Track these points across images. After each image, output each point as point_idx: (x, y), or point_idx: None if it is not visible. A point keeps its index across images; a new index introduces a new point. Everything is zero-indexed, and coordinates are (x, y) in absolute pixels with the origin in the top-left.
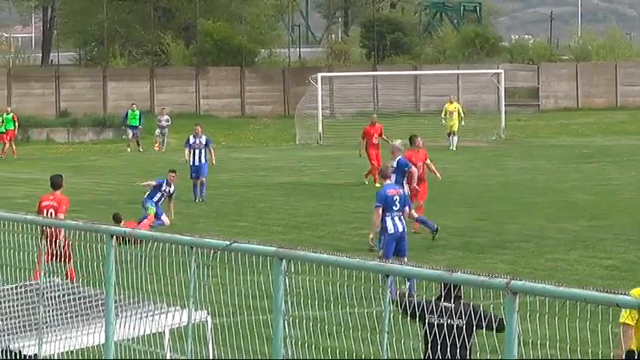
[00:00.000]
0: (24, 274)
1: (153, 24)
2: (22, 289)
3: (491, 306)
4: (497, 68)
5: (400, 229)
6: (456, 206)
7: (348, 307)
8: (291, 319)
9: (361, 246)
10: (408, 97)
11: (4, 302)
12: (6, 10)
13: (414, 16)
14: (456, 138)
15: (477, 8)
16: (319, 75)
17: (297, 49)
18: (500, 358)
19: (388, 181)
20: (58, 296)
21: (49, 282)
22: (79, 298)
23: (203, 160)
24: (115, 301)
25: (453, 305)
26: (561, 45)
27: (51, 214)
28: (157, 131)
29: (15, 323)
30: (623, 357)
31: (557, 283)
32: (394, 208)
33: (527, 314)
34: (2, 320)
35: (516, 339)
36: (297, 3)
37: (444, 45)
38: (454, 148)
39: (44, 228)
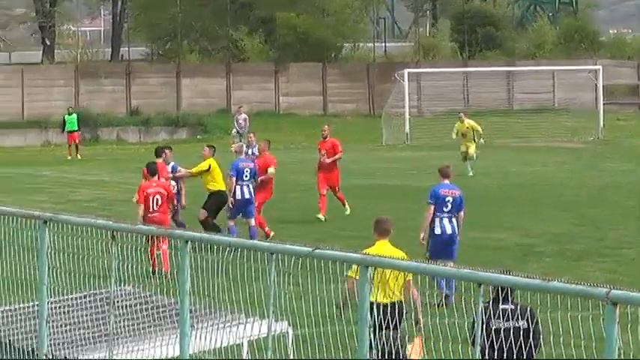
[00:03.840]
0: (94, 281)
1: (229, 17)
2: (92, 298)
3: (590, 317)
4: (596, 64)
5: (449, 232)
6: (552, 210)
7: (438, 317)
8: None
9: None
10: (500, 94)
11: (73, 312)
12: (73, 2)
13: (507, 9)
14: (471, 162)
15: (574, 0)
16: (406, 71)
17: (383, 44)
18: None
19: (446, 181)
20: (130, 305)
21: (121, 290)
22: (152, 308)
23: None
24: (190, 311)
25: (513, 307)
26: None
27: (157, 201)
28: (234, 131)
29: (84, 334)
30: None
31: None
32: (444, 209)
33: (628, 325)
34: (71, 330)
35: (616, 351)
36: None
37: (540, 39)
38: (472, 173)
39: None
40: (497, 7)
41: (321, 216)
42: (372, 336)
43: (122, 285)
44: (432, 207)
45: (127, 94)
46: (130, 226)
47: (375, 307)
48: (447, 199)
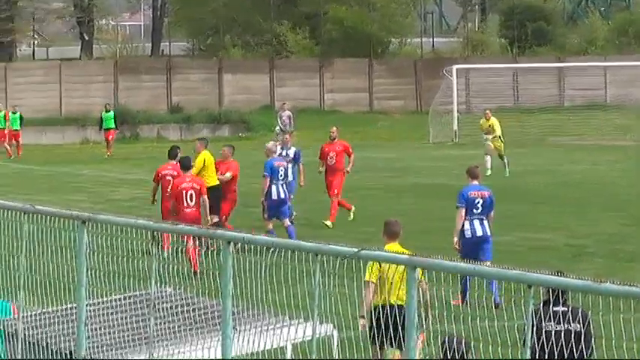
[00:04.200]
0: (133, 283)
1: (273, 12)
2: (132, 300)
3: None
4: None
5: (479, 234)
6: (602, 210)
7: (487, 320)
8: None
9: (501, 255)
10: (550, 90)
11: (112, 314)
12: None
13: (558, 4)
14: (506, 161)
15: None
16: (454, 67)
17: (430, 39)
18: None
19: (475, 182)
20: (171, 307)
21: (161, 292)
22: (193, 310)
23: (290, 177)
24: (233, 313)
25: (565, 309)
26: None
27: (191, 195)
28: (277, 128)
29: (123, 336)
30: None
31: None
32: (475, 210)
33: None
34: (110, 333)
35: None
36: None
37: (591, 35)
38: (508, 174)
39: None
40: (548, 2)
41: (329, 223)
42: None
43: (162, 286)
44: (463, 210)
45: (167, 90)
46: (171, 226)
47: (387, 309)
48: (476, 201)
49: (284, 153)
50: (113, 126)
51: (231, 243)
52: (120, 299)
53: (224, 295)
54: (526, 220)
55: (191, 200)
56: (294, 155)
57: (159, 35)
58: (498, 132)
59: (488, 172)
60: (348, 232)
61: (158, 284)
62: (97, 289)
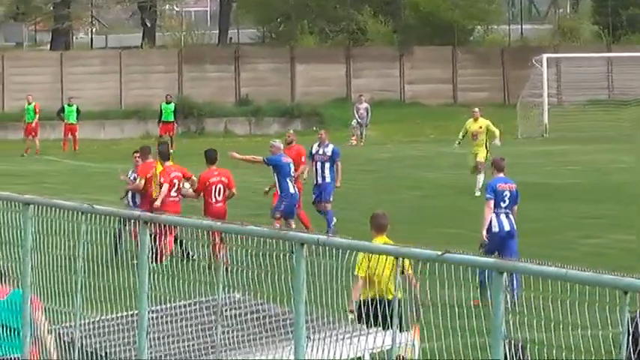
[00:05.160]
0: (199, 288)
1: None
2: (197, 307)
3: None
4: None
5: (507, 228)
6: None
7: (579, 329)
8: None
9: (591, 257)
10: None
11: (176, 321)
12: None
13: None
14: (482, 176)
15: None
16: (544, 56)
17: (519, 26)
18: None
19: (501, 174)
20: (239, 315)
21: (229, 298)
22: (264, 317)
23: (328, 179)
24: (306, 321)
25: None
26: None
27: (219, 190)
28: (354, 122)
29: (188, 346)
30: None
31: None
32: (502, 204)
33: None
34: (174, 342)
35: None
36: None
37: None
38: (479, 192)
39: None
40: None
41: None
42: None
43: (231, 292)
44: (492, 202)
45: (235, 81)
46: (239, 227)
47: (377, 302)
48: (504, 194)
49: (321, 151)
50: (172, 119)
51: (305, 245)
52: (184, 306)
53: (297, 301)
54: (618, 220)
55: (219, 194)
56: (332, 153)
57: (226, 22)
58: (483, 137)
59: (478, 193)
60: (430, 233)
61: (226, 290)
62: (159, 294)
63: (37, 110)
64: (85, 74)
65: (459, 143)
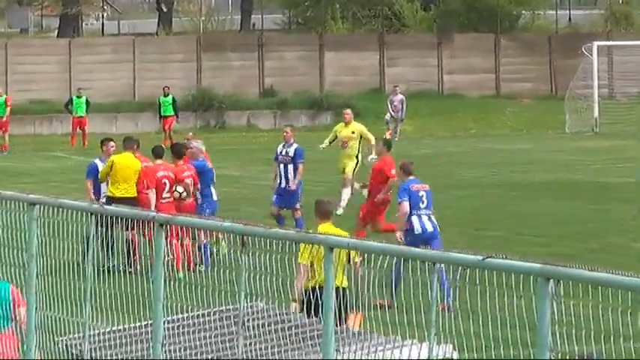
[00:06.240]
0: (219, 297)
1: None
2: (217, 316)
3: None
4: None
5: (430, 229)
6: None
7: (632, 341)
8: (559, 355)
9: None
10: None
11: (194, 332)
12: None
13: None
14: (347, 190)
15: None
16: (595, 44)
17: (567, 11)
18: None
19: (411, 177)
20: (263, 325)
21: (252, 307)
22: (289, 328)
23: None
24: (335, 332)
25: None
26: None
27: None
28: (387, 115)
29: (206, 358)
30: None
31: None
32: (421, 205)
33: None
34: (192, 355)
35: None
36: None
37: None
38: (341, 210)
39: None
40: None
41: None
42: None
43: (253, 300)
44: (406, 203)
45: (259, 70)
46: (264, 230)
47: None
48: (420, 194)
49: (284, 151)
50: (172, 112)
51: (334, 250)
52: (203, 315)
53: (325, 310)
54: None
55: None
56: (294, 154)
57: (249, 6)
58: (355, 146)
59: (341, 211)
60: (470, 236)
61: (248, 298)
62: (176, 303)
63: (9, 104)
64: (95, 63)
65: (324, 148)
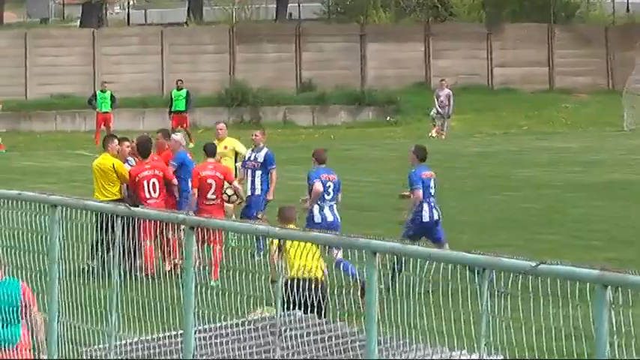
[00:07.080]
0: (253, 304)
1: None
2: (252, 326)
3: None
4: None
5: (330, 219)
6: None
7: None
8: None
9: None
10: None
11: (227, 343)
12: None
13: None
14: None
15: None
16: None
17: (625, 0)
18: None
19: (322, 166)
20: (301, 335)
21: (289, 316)
22: (329, 338)
23: (258, 190)
24: (379, 342)
25: None
26: None
27: (153, 185)
28: (433, 111)
29: None
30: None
31: None
32: (326, 196)
33: None
34: None
35: None
36: None
37: None
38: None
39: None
40: None
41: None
42: None
43: (290, 309)
44: (319, 184)
45: (296, 63)
46: (302, 233)
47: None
48: (327, 185)
49: (252, 156)
50: (184, 108)
51: (377, 254)
52: (237, 325)
53: (368, 319)
54: None
55: (154, 191)
56: (265, 159)
57: None
58: (229, 163)
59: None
60: (525, 240)
61: (285, 307)
62: (208, 311)
63: None
64: (120, 55)
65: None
